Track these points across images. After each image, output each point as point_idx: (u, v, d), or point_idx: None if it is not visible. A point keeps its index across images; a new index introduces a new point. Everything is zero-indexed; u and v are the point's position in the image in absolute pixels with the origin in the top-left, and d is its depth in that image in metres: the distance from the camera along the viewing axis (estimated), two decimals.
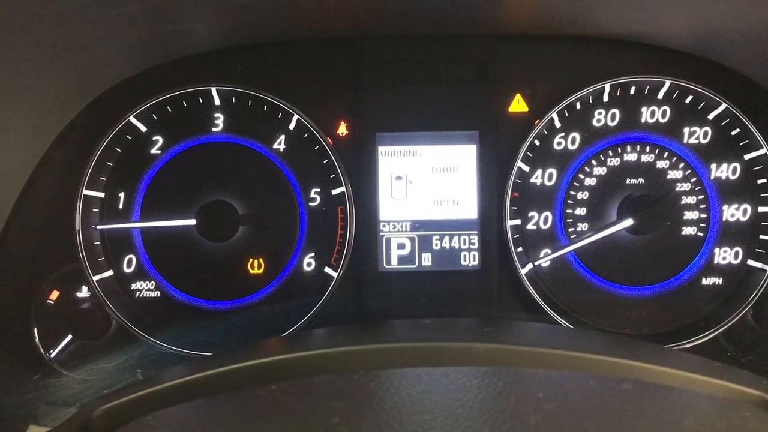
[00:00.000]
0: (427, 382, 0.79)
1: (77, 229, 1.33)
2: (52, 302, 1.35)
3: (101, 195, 1.36)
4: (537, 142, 1.36)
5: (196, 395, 0.92)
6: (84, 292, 1.36)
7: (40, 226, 1.31)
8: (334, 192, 1.37)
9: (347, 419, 0.67)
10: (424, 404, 0.70)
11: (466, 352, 0.92)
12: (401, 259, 1.35)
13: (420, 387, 0.78)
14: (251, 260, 1.37)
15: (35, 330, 1.34)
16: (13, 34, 1.00)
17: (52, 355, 1.33)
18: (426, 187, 1.36)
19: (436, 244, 1.35)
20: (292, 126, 1.36)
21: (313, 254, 1.37)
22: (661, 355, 0.98)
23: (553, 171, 1.36)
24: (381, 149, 1.36)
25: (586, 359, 0.88)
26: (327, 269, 1.36)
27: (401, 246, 1.36)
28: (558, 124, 1.36)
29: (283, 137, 1.37)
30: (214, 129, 1.38)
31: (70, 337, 1.34)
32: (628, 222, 1.32)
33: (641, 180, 1.35)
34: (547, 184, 1.36)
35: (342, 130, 1.37)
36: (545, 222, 1.36)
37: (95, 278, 1.34)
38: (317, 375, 0.92)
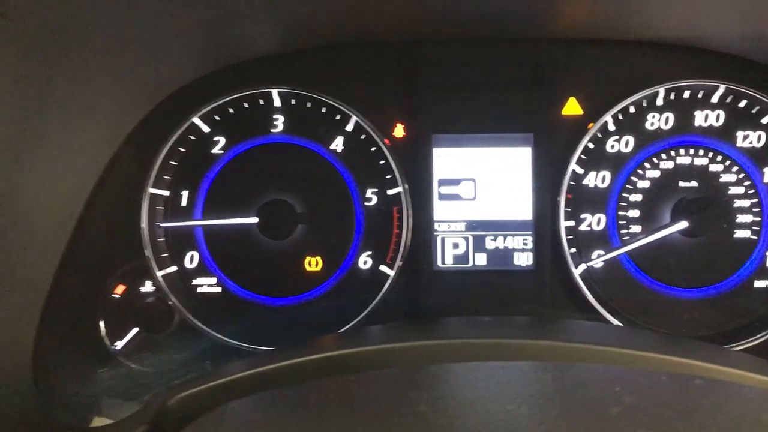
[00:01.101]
0: (503, 376, 0.82)
1: (143, 226, 1.38)
2: (118, 296, 1.40)
3: (166, 193, 1.40)
4: (591, 145, 1.38)
5: (270, 386, 0.96)
6: (148, 287, 1.41)
7: (108, 224, 1.36)
8: (390, 192, 1.40)
9: (434, 407, 0.70)
10: (506, 396, 0.73)
11: (536, 349, 0.94)
12: (456, 258, 1.38)
13: (496, 379, 0.81)
14: (308, 258, 1.41)
15: (102, 323, 1.39)
16: (91, 41, 1.05)
17: (118, 348, 1.38)
18: (480, 188, 1.38)
19: (490, 244, 1.38)
20: (349, 127, 1.40)
21: (369, 252, 1.41)
22: (724, 355, 0.99)
23: (607, 173, 1.38)
24: (436, 151, 1.39)
25: (652, 358, 0.90)
26: (383, 267, 1.40)
27: (456, 245, 1.38)
28: (612, 128, 1.38)
29: (340, 138, 1.41)
30: (273, 130, 1.42)
31: (135, 329, 1.38)
32: (683, 224, 1.33)
33: (694, 183, 1.37)
34: (601, 186, 1.38)
35: (398, 132, 1.41)
36: (598, 223, 1.38)
37: (160, 273, 1.39)
38: (390, 368, 0.95)
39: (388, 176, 1.40)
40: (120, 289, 1.40)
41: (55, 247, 1.20)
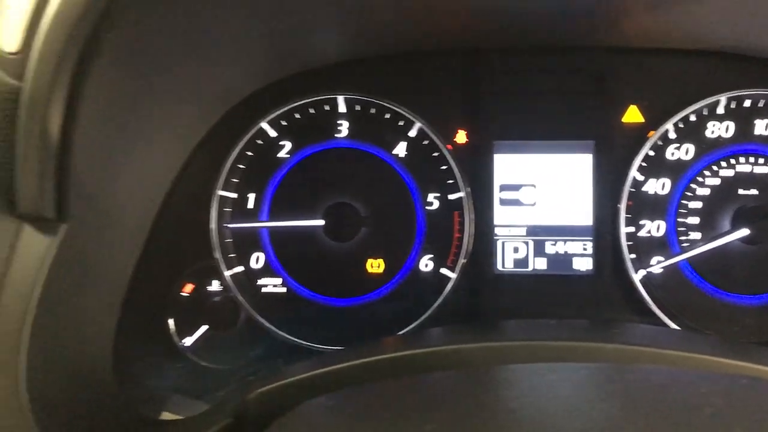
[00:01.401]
0: (585, 376, 0.85)
1: (213, 227, 1.43)
2: (187, 295, 1.45)
3: (234, 195, 1.45)
4: (651, 153, 1.40)
5: (349, 384, 0.99)
6: (215, 286, 1.46)
7: (179, 225, 1.40)
8: (451, 197, 1.43)
9: (518, 405, 0.73)
10: (598, 395, 0.76)
11: (612, 352, 0.97)
12: (516, 262, 1.41)
13: (576, 381, 0.84)
14: (370, 260, 1.45)
15: (171, 320, 1.44)
16: (177, 53, 1.10)
17: (187, 344, 1.43)
18: (541, 194, 1.41)
19: (550, 249, 1.41)
20: (412, 133, 1.44)
21: (430, 256, 1.44)
22: None
23: (667, 181, 1.40)
24: (498, 157, 1.42)
25: (728, 363, 0.92)
26: (444, 270, 1.43)
27: (516, 250, 1.41)
28: (672, 135, 1.40)
29: (403, 144, 1.44)
30: (337, 135, 1.46)
31: (204, 327, 1.43)
32: (744, 232, 1.35)
33: (754, 191, 1.38)
34: (661, 193, 1.40)
35: (460, 138, 1.44)
36: (658, 230, 1.40)
37: (228, 273, 1.43)
38: (472, 367, 0.98)
39: (450, 181, 1.43)
40: (188, 287, 1.45)
41: (135, 245, 1.25)
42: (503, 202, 1.42)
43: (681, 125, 1.40)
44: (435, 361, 1.05)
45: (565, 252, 1.40)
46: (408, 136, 1.44)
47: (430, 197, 1.45)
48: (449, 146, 1.43)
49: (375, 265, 1.45)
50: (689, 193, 1.40)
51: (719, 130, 1.40)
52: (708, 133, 1.40)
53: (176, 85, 1.18)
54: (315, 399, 0.90)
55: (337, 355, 1.13)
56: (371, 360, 1.06)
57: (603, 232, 1.39)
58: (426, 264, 1.44)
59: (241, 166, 1.45)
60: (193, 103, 1.29)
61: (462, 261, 1.41)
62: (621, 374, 0.84)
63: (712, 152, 1.40)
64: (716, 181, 1.39)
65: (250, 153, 1.46)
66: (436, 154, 1.44)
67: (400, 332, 1.40)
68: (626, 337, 1.10)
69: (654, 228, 1.40)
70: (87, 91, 0.91)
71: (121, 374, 1.20)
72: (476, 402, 0.79)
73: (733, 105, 1.39)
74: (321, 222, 1.42)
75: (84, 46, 0.86)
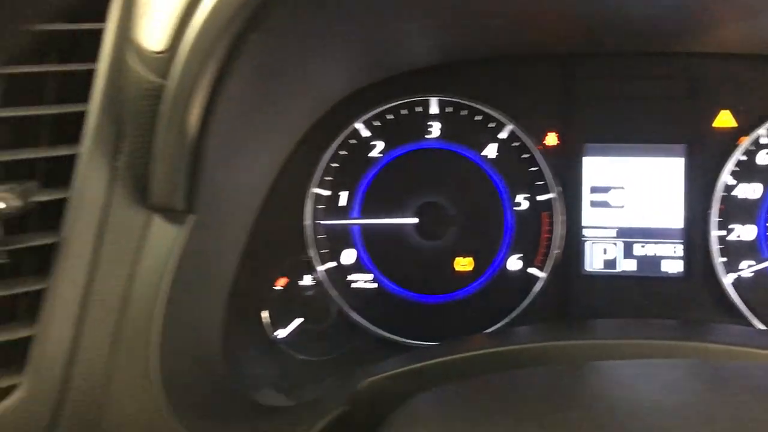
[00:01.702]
0: (688, 373, 0.87)
1: (307, 223, 1.48)
2: (281, 288, 1.50)
3: (327, 193, 1.50)
4: (743, 157, 1.41)
5: (458, 376, 1.02)
6: (307, 281, 1.50)
7: (276, 220, 1.45)
8: (540, 198, 1.46)
9: (623, 401, 0.76)
10: (703, 391, 0.78)
11: (712, 351, 0.99)
12: (605, 263, 1.43)
13: (676, 375, 0.86)
14: (459, 258, 1.48)
15: (266, 313, 1.49)
16: (296, 58, 1.16)
17: (281, 337, 1.48)
18: (631, 197, 1.43)
19: (639, 251, 1.43)
20: (503, 135, 1.47)
21: (518, 255, 1.47)
22: None
23: (758, 185, 1.41)
24: (588, 159, 1.44)
25: None
26: (532, 270, 1.46)
27: (605, 251, 1.43)
28: (765, 141, 1.41)
29: (494, 145, 1.47)
30: (428, 135, 1.50)
31: (298, 320, 1.48)
32: None
33: None
34: (752, 197, 1.41)
35: (550, 140, 1.47)
36: (749, 234, 1.41)
37: (321, 268, 1.48)
38: (577, 363, 1.01)
39: (539, 182, 1.46)
40: (282, 281, 1.50)
41: (241, 238, 1.31)
42: (592, 203, 1.44)
43: None
44: (543, 357, 1.08)
45: (655, 254, 1.42)
46: (498, 138, 1.47)
47: (519, 198, 1.47)
48: (540, 148, 1.46)
49: (463, 264, 1.48)
50: None
51: None
52: None
53: (290, 85, 1.24)
54: (428, 391, 0.93)
55: (444, 348, 1.16)
56: (480, 353, 1.10)
57: (693, 235, 1.41)
58: (514, 263, 1.47)
59: (335, 165, 1.50)
60: (299, 102, 1.34)
61: (551, 261, 1.44)
62: (722, 371, 0.86)
63: None
64: None
65: (343, 152, 1.50)
66: (526, 155, 1.47)
67: (493, 329, 1.43)
68: (726, 337, 1.11)
69: (744, 232, 1.41)
70: (226, 90, 0.96)
71: (229, 362, 1.26)
72: (593, 396, 0.82)
73: None
74: (415, 220, 1.46)
75: (231, 47, 0.91)
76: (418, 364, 1.08)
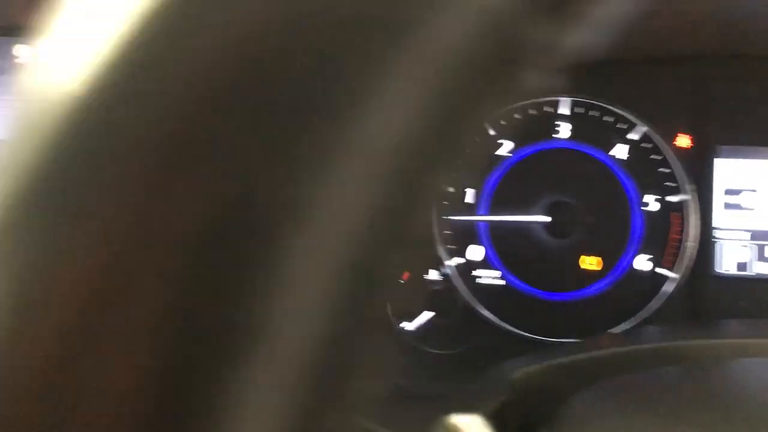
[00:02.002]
0: None
1: (434, 219, 1.50)
2: (404, 281, 1.52)
3: (452, 190, 1.52)
4: None
5: (610, 371, 1.03)
6: (432, 275, 1.53)
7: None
8: (670, 199, 1.47)
9: None
10: None
11: None
12: (738, 266, 1.43)
13: None
14: (585, 257, 1.49)
15: (389, 306, 1.51)
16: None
17: (407, 329, 1.50)
18: (763, 200, 1.43)
19: None
20: (634, 136, 1.48)
21: (648, 256, 1.47)
22: None
23: None
24: (720, 161, 1.44)
25: None
26: (661, 270, 1.46)
27: (737, 253, 1.43)
28: None
29: (624, 146, 1.48)
30: (555, 135, 1.51)
31: (428, 314, 1.50)
32: None
33: None
34: None
35: (681, 141, 1.47)
36: None
37: (448, 263, 1.50)
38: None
39: (669, 183, 1.46)
40: (407, 275, 1.52)
41: None
42: (725, 205, 1.44)
43: None
44: (692, 355, 1.09)
45: None
46: (629, 139, 1.48)
47: (648, 198, 1.48)
48: (671, 150, 1.46)
49: (591, 263, 1.49)
50: None
51: None
52: None
53: None
54: (591, 385, 0.94)
55: (596, 343, 1.18)
56: (637, 348, 1.11)
57: None
58: (642, 263, 1.48)
59: (460, 162, 1.52)
60: None
61: (683, 262, 1.44)
62: None
63: None
64: None
65: (467, 150, 1.52)
66: (656, 156, 1.47)
67: (622, 327, 1.44)
68: None
69: None
70: None
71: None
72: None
73: None
74: (548, 219, 1.48)
75: None
76: (567, 359, 1.10)
